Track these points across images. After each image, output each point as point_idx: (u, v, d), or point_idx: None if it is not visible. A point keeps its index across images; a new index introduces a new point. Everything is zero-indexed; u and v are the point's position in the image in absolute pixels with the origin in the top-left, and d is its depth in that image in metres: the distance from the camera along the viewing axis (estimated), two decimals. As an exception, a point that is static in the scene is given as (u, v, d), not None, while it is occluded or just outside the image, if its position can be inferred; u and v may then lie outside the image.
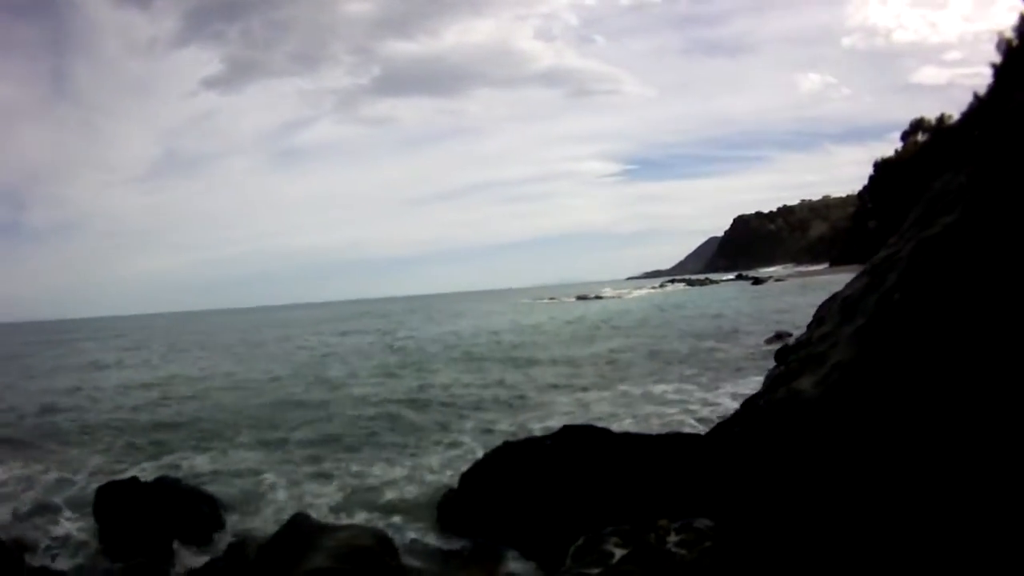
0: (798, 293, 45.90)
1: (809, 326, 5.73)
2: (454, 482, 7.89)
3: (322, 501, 8.29)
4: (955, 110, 72.57)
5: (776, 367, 6.08)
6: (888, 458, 4.00)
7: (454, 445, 10.59)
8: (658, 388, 14.93)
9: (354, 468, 9.55)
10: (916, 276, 4.02)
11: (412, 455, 10.04)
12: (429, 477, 8.96)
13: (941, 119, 78.75)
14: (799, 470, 4.51)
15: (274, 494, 8.67)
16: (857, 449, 4.21)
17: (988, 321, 3.79)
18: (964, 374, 3.81)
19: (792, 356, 5.51)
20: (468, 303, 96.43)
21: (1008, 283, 3.78)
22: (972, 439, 3.70)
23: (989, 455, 3.62)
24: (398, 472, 9.24)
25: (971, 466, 3.67)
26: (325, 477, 9.27)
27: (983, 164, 4.50)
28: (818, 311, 5.69)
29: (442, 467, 9.34)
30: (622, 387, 15.28)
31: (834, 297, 5.47)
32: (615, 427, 8.93)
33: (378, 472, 9.30)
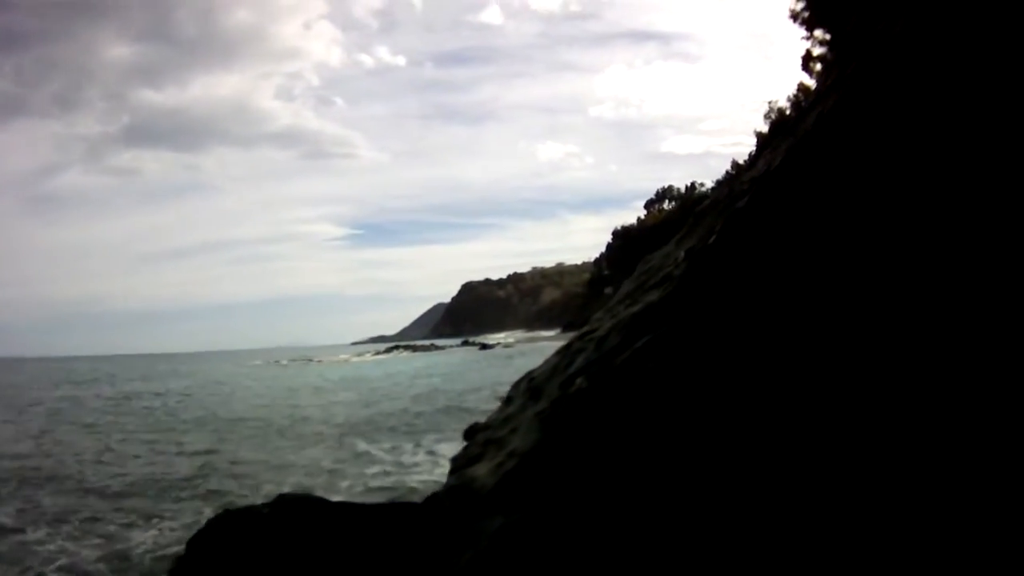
0: (528, 357, 47.76)
1: (501, 405, 5.11)
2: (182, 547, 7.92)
3: (71, 563, 8.75)
4: (710, 179, 72.34)
5: (465, 447, 5.42)
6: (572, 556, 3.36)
7: (187, 505, 11.01)
8: (373, 451, 15.05)
9: (99, 529, 10.02)
10: (603, 363, 3.47)
11: (156, 517, 10.45)
12: (164, 538, 9.42)
13: (692, 187, 79.20)
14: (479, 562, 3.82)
15: (30, 554, 9.11)
16: (533, 545, 3.55)
17: (680, 418, 3.34)
18: (652, 476, 3.30)
19: (478, 436, 4.83)
20: (199, 363, 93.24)
21: (707, 373, 3.36)
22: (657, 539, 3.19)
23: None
24: (136, 534, 9.74)
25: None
26: (76, 537, 9.72)
27: (704, 241, 4.19)
28: (511, 389, 5.09)
29: (174, 530, 9.77)
30: (344, 450, 15.29)
31: (527, 375, 4.90)
32: (333, 495, 9.39)
33: (112, 531, 9.85)
